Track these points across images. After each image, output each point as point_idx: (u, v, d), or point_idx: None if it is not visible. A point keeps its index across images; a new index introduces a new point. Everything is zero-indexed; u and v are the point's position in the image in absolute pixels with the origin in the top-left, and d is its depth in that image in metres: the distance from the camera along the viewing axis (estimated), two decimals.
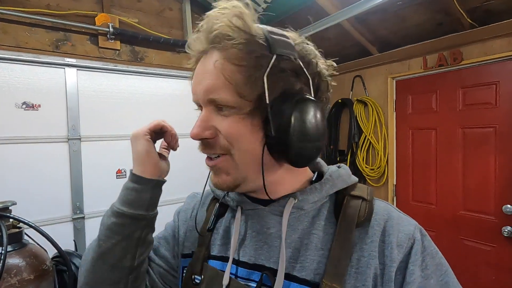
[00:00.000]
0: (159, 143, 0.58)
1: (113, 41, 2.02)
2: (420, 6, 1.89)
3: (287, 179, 0.48)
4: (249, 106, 0.41)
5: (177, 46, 2.25)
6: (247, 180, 0.45)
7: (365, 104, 2.48)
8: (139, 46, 2.16)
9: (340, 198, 0.47)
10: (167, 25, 2.31)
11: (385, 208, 0.46)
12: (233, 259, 0.48)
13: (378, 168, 2.42)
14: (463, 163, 1.97)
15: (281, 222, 0.45)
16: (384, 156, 2.38)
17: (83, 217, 1.85)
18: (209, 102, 0.43)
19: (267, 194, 0.45)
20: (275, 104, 0.40)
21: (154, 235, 0.58)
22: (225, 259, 0.50)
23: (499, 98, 1.80)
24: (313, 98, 0.42)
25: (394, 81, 2.34)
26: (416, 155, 2.24)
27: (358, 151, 2.54)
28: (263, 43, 0.40)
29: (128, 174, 1.99)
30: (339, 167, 0.52)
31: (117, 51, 2.07)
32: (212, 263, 0.51)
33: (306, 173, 0.51)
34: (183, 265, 0.55)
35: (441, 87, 2.06)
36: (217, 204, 0.55)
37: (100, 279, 0.49)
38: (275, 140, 0.40)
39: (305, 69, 0.42)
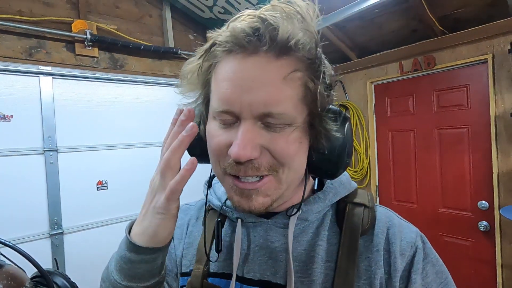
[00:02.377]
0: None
1: (91, 48, 1.95)
2: (395, 14, 1.98)
3: (300, 189, 0.45)
4: (303, 121, 0.38)
5: (158, 52, 2.21)
6: (282, 198, 0.42)
7: (346, 108, 2.54)
8: (119, 53, 2.10)
9: (342, 206, 0.46)
10: (147, 32, 2.27)
11: (386, 215, 0.46)
12: (237, 275, 0.45)
13: (361, 170, 2.48)
14: (440, 162, 2.07)
15: (285, 235, 0.44)
16: (366, 158, 2.45)
17: (62, 233, 1.76)
18: (262, 116, 0.36)
19: (299, 209, 0.43)
20: (326, 121, 0.39)
21: None
22: (227, 276, 0.47)
23: (470, 100, 1.92)
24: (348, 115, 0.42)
25: (373, 85, 2.42)
26: (396, 156, 2.32)
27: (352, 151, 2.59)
28: (321, 55, 0.38)
29: (109, 185, 1.92)
30: None
31: (95, 59, 2.00)
32: (213, 280, 0.47)
33: (310, 182, 0.49)
34: (182, 284, 0.51)
35: (417, 90, 2.16)
36: (217, 220, 0.49)
37: None
38: (326, 157, 0.40)
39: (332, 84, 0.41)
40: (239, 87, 0.36)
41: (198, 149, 0.44)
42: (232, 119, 0.38)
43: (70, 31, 1.88)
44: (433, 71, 2.05)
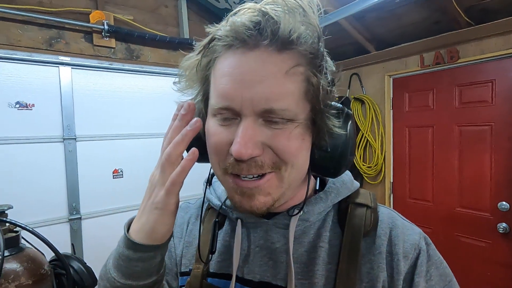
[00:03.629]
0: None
1: (108, 39, 1.99)
2: (416, 5, 1.89)
3: (301, 189, 0.44)
4: (306, 118, 0.37)
5: (173, 43, 2.22)
6: (284, 197, 0.40)
7: (362, 102, 2.48)
8: (135, 43, 2.12)
9: (344, 207, 0.45)
10: (162, 23, 2.28)
11: (389, 216, 0.45)
12: (237, 276, 0.44)
13: (375, 166, 2.43)
14: (459, 160, 1.99)
15: (286, 236, 0.43)
16: (381, 154, 2.39)
17: (80, 218, 1.83)
18: (264, 112, 0.35)
19: (301, 210, 0.42)
20: (328, 117, 0.38)
21: None
22: (226, 276, 0.46)
23: (495, 96, 1.82)
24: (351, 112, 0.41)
25: (391, 79, 2.34)
26: (412, 153, 2.26)
27: (355, 149, 2.55)
28: (323, 50, 0.37)
29: (124, 173, 1.98)
30: None
31: (112, 49, 2.03)
32: (213, 281, 0.46)
33: (312, 180, 0.48)
34: (181, 284, 0.50)
35: (437, 85, 2.07)
36: (215, 221, 0.48)
37: None
38: (329, 155, 0.39)
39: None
40: (239, 82, 0.35)
41: (196, 147, 0.43)
42: (232, 116, 0.36)
43: (88, 21, 1.91)
44: (456, 65, 1.96)
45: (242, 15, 0.35)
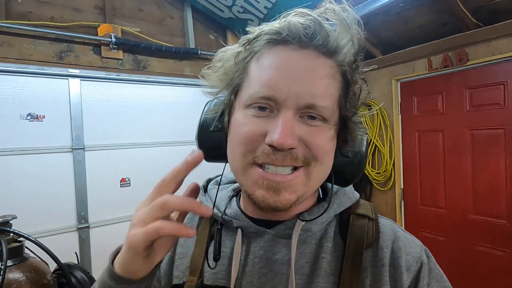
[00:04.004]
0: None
1: (115, 50, 2.04)
2: (423, 7, 1.87)
3: (312, 196, 0.45)
4: (335, 121, 0.40)
5: (179, 53, 2.25)
6: (304, 197, 0.40)
7: (369, 107, 2.44)
8: (142, 54, 2.17)
9: (345, 217, 0.45)
10: (168, 33, 2.33)
11: (390, 228, 0.45)
12: None
13: (384, 171, 2.37)
14: (472, 165, 1.92)
15: (288, 246, 0.42)
16: (390, 160, 2.34)
17: (88, 227, 1.86)
18: (306, 107, 0.37)
19: (319, 216, 0.44)
20: (352, 125, 0.41)
21: None
22: None
23: (508, 98, 1.76)
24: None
25: (399, 83, 2.30)
26: (423, 158, 2.20)
27: None
28: (359, 58, 0.40)
29: (132, 182, 2.01)
30: None
31: (120, 61, 2.08)
32: None
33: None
34: None
35: (447, 88, 2.03)
36: (217, 228, 0.46)
37: None
38: (348, 160, 0.42)
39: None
40: (288, 75, 0.36)
41: (210, 143, 0.44)
42: (270, 107, 0.37)
43: (97, 34, 1.97)
44: (465, 67, 1.91)
45: (298, 17, 0.37)
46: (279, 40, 0.37)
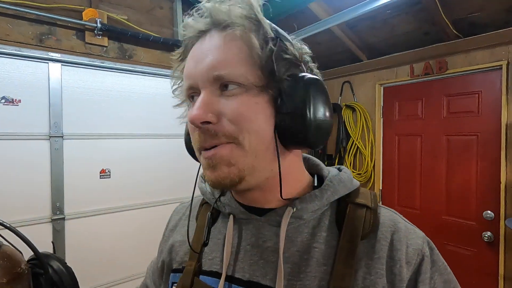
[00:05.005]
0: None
1: (100, 37, 1.96)
2: (408, 15, 1.94)
3: (293, 172, 0.44)
4: (261, 81, 0.38)
5: (167, 45, 2.21)
6: (254, 171, 0.39)
7: (353, 109, 2.51)
8: (128, 43, 2.11)
9: (343, 206, 0.44)
10: (157, 24, 2.28)
11: (391, 218, 0.43)
12: (226, 275, 0.43)
13: (365, 173, 2.45)
14: (447, 169, 2.02)
15: (278, 234, 0.42)
16: (371, 161, 2.42)
17: (63, 218, 1.78)
18: (213, 81, 0.38)
19: (280, 187, 0.40)
20: (288, 81, 0.39)
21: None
22: (217, 274, 0.45)
23: (482, 107, 1.87)
24: (320, 79, 0.40)
25: (382, 88, 2.38)
26: (401, 161, 2.29)
27: (346, 156, 2.57)
28: (270, 29, 0.39)
29: (112, 174, 1.94)
30: (339, 169, 0.48)
31: (105, 48, 2.01)
32: (204, 278, 0.46)
33: (307, 175, 0.47)
34: (173, 280, 0.50)
35: (426, 95, 2.12)
36: (209, 213, 0.49)
37: None
38: (290, 117, 0.38)
39: (302, 64, 0.41)
40: (196, 61, 0.40)
41: (188, 145, 0.46)
42: (196, 94, 0.41)
43: (81, 19, 1.89)
44: (444, 76, 2.01)
45: (192, 16, 0.41)
46: (191, 42, 0.42)
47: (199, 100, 0.38)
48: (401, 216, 0.45)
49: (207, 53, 0.39)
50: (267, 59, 0.38)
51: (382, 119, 2.40)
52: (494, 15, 1.72)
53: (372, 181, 2.42)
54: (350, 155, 2.55)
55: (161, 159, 2.16)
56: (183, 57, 0.44)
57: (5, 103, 1.64)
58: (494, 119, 1.80)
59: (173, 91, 0.48)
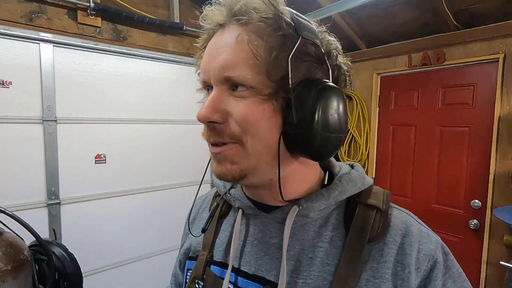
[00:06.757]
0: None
1: (93, 17, 1.89)
2: (409, 5, 1.92)
3: (298, 176, 0.43)
4: (269, 88, 0.36)
5: (162, 27, 2.14)
6: (256, 172, 0.39)
7: (350, 98, 2.52)
8: (122, 24, 2.03)
9: (352, 206, 0.42)
10: (152, 5, 2.19)
11: (403, 221, 0.41)
12: (233, 266, 0.45)
13: (359, 161, 2.49)
14: (439, 159, 2.08)
15: (283, 231, 0.42)
16: (365, 150, 2.45)
17: (59, 203, 1.77)
18: (223, 81, 0.38)
19: (280, 190, 0.39)
20: (299, 89, 0.36)
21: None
22: (225, 265, 0.46)
23: (476, 99, 1.90)
24: (338, 87, 0.38)
25: (379, 77, 2.39)
26: (395, 150, 2.33)
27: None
28: (291, 22, 0.37)
29: (108, 159, 1.92)
30: (352, 166, 0.47)
31: (98, 29, 1.94)
32: (214, 269, 0.47)
33: (317, 172, 0.46)
34: (188, 267, 0.53)
35: (423, 86, 2.14)
36: (216, 204, 0.52)
37: None
38: (296, 128, 0.36)
39: (327, 59, 0.39)
40: (209, 56, 0.39)
41: None
42: (206, 88, 0.42)
43: None
44: (441, 67, 2.02)
45: (210, 9, 0.40)
46: (211, 32, 0.41)
47: (209, 98, 0.38)
48: (416, 217, 0.44)
49: (220, 51, 0.38)
50: (280, 63, 0.36)
51: (378, 109, 2.42)
52: (494, 7, 1.72)
53: (365, 169, 2.47)
54: (345, 143, 2.58)
55: (157, 144, 2.14)
56: (205, 45, 0.43)
57: None
58: (487, 112, 1.84)
59: (199, 74, 0.47)
